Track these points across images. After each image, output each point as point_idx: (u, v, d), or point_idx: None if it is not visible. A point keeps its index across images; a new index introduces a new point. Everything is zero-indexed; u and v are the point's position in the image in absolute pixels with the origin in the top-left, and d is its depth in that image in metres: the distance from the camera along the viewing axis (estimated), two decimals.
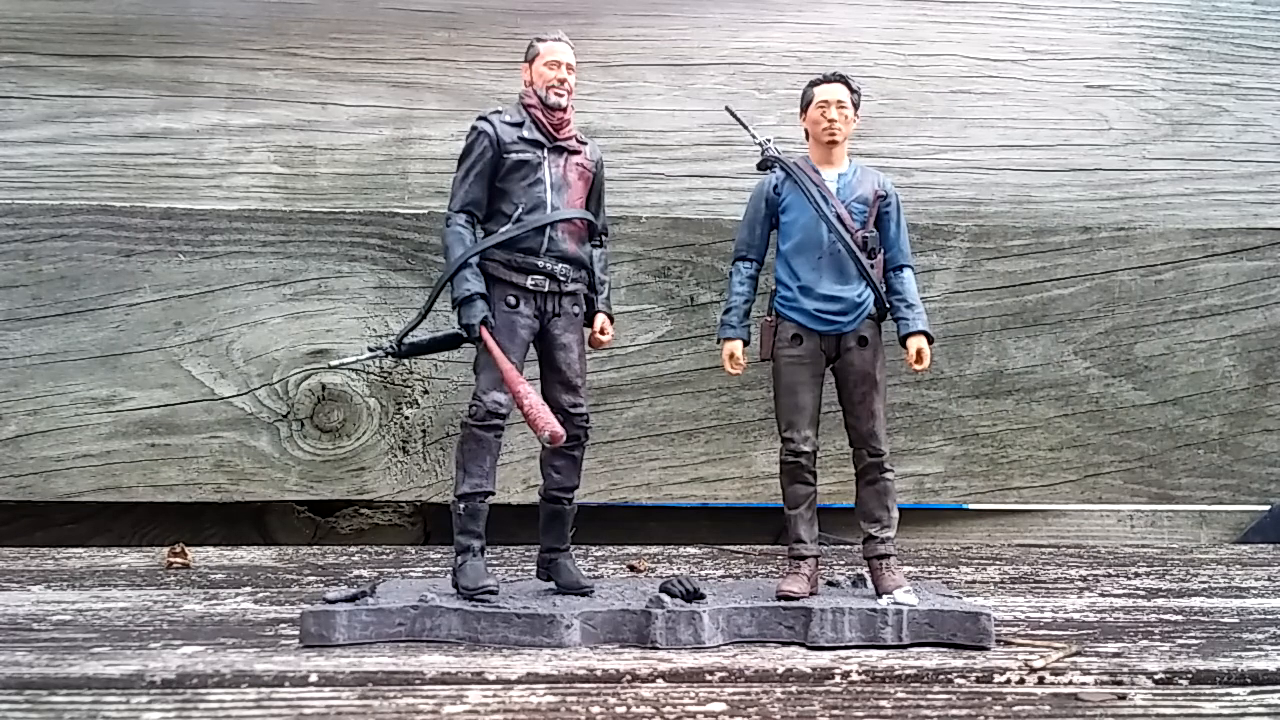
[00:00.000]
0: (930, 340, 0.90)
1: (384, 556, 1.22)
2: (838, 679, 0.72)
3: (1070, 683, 0.72)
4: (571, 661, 0.75)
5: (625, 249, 1.31)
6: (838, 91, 0.89)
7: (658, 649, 0.78)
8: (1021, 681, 0.72)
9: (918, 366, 0.90)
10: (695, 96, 1.37)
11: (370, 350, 0.93)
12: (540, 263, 0.87)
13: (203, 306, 1.29)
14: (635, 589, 0.88)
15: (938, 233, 1.35)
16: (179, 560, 1.15)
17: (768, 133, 0.94)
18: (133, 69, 1.32)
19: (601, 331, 0.93)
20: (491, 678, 0.71)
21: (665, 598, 0.81)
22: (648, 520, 1.41)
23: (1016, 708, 0.67)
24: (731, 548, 1.30)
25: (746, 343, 0.92)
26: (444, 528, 1.29)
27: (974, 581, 1.08)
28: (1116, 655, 0.77)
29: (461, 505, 0.86)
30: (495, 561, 1.15)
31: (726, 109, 0.98)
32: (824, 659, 0.76)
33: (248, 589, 1.02)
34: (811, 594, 0.85)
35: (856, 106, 0.90)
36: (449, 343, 0.90)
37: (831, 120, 0.89)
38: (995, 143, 1.39)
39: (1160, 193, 1.40)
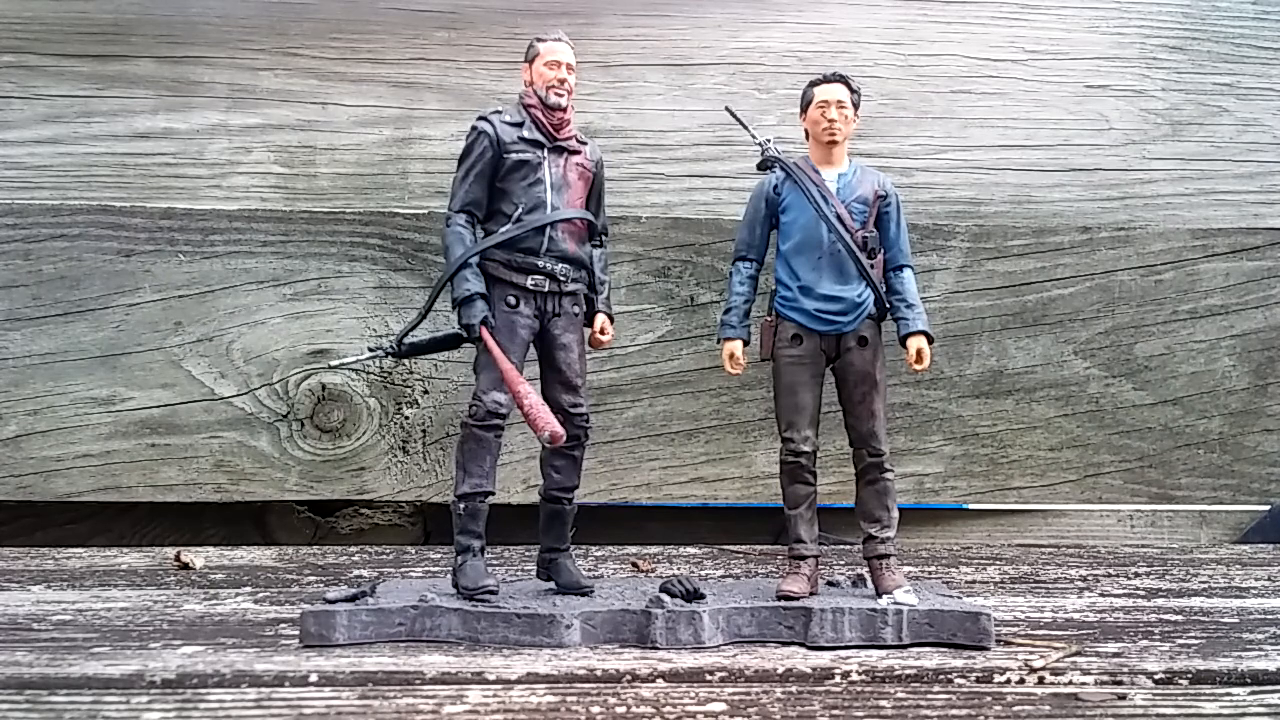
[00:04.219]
0: (930, 340, 0.90)
1: (384, 556, 1.22)
2: (838, 679, 0.72)
3: (1070, 683, 0.72)
4: (571, 661, 0.75)
5: (625, 249, 1.31)
6: (838, 91, 0.89)
7: (658, 649, 0.78)
8: (1021, 681, 0.72)
9: (918, 366, 0.90)
10: (695, 96, 1.37)
11: (370, 350, 0.93)
12: (540, 263, 0.87)
13: (203, 306, 1.29)
14: (635, 589, 0.88)
15: (938, 233, 1.35)
16: (183, 560, 1.15)
17: (768, 133, 0.94)
18: (133, 69, 1.32)
19: (601, 331, 0.93)
20: (491, 678, 0.71)
21: (665, 598, 0.81)
22: (648, 520, 1.41)
23: (1016, 708, 0.67)
24: (731, 548, 1.30)
25: (746, 343, 0.92)
26: (444, 528, 1.29)
27: (974, 581, 1.08)
28: (1116, 655, 0.77)
29: (461, 505, 0.86)
30: (495, 561, 1.15)
31: (726, 109, 0.98)
32: (824, 659, 0.76)
33: (248, 589, 1.02)
34: (811, 594, 0.85)
35: (856, 106, 0.90)
36: (449, 343, 0.90)
37: (831, 120, 0.89)
38: (995, 143, 1.39)
39: (1160, 193, 1.40)
